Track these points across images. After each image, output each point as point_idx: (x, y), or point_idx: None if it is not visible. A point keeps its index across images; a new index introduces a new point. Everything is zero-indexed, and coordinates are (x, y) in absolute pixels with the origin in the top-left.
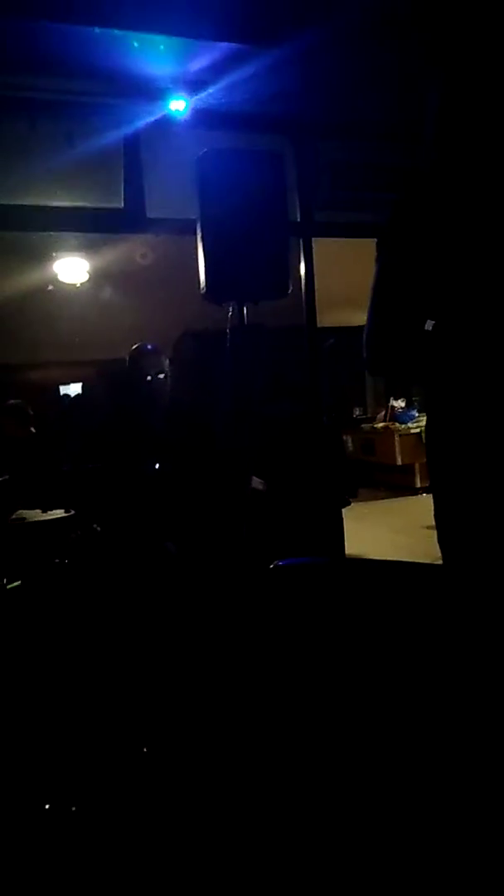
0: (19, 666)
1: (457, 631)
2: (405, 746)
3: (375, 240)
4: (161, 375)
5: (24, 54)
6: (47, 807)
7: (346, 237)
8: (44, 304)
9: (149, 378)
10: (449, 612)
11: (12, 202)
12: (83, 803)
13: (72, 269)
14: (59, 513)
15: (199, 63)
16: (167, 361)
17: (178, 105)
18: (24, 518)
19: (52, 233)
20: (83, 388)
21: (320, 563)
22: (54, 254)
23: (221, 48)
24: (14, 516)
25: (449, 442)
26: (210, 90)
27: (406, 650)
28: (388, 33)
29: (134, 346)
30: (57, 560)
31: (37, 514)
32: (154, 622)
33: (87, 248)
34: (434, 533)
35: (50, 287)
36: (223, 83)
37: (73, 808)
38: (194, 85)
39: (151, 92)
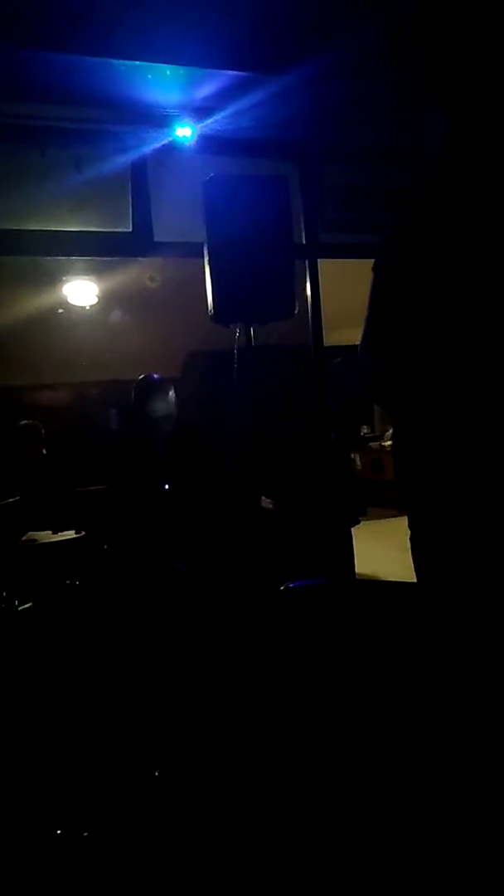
0: (30, 687)
1: (432, 646)
2: (412, 764)
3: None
4: (165, 416)
5: (33, 84)
6: (59, 832)
7: (350, 258)
8: (54, 326)
9: (153, 417)
10: (424, 629)
11: (23, 227)
12: (93, 826)
13: (81, 292)
14: (69, 534)
15: (205, 91)
16: (173, 394)
17: (185, 132)
18: (35, 539)
19: (61, 257)
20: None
21: (331, 586)
22: (64, 277)
23: (227, 76)
24: (25, 537)
25: (413, 464)
26: (216, 117)
27: (416, 673)
28: (392, 59)
29: (140, 378)
30: (68, 581)
31: (47, 536)
32: (164, 643)
33: (97, 272)
34: None
35: (60, 310)
36: (229, 110)
37: (84, 833)
38: (200, 112)
39: (158, 119)
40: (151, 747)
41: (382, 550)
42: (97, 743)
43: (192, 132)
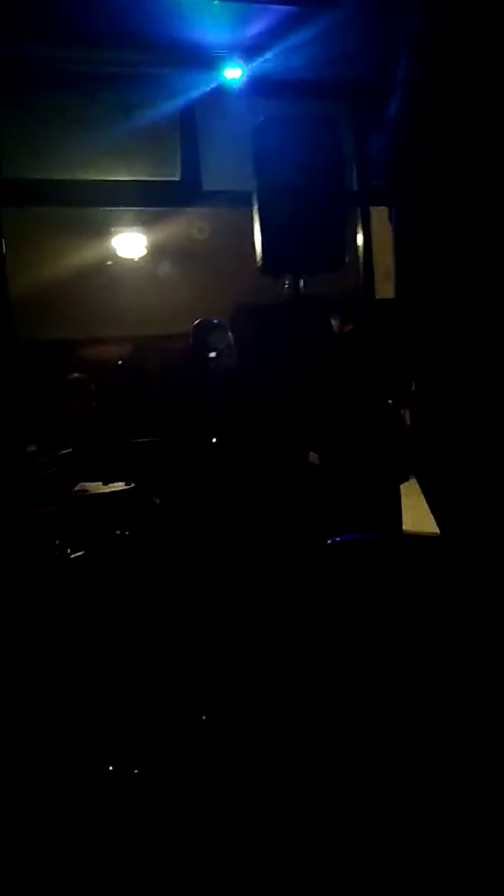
0: (81, 630)
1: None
2: (462, 722)
3: None
4: (226, 351)
5: (80, 26)
6: (110, 768)
7: None
8: (103, 279)
9: (213, 354)
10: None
11: (71, 177)
12: (142, 764)
13: (130, 244)
14: (119, 485)
15: (254, 28)
16: (231, 336)
17: (234, 73)
18: (87, 490)
19: (109, 207)
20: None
21: (377, 539)
22: (113, 229)
23: (277, 11)
24: (77, 488)
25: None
26: (266, 56)
27: (461, 627)
28: None
29: (198, 321)
30: (118, 532)
31: (98, 487)
32: (211, 594)
33: (145, 223)
34: None
35: (109, 262)
36: (279, 48)
37: (135, 771)
38: (250, 51)
39: (207, 60)
40: (199, 693)
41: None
42: (145, 687)
43: (242, 73)
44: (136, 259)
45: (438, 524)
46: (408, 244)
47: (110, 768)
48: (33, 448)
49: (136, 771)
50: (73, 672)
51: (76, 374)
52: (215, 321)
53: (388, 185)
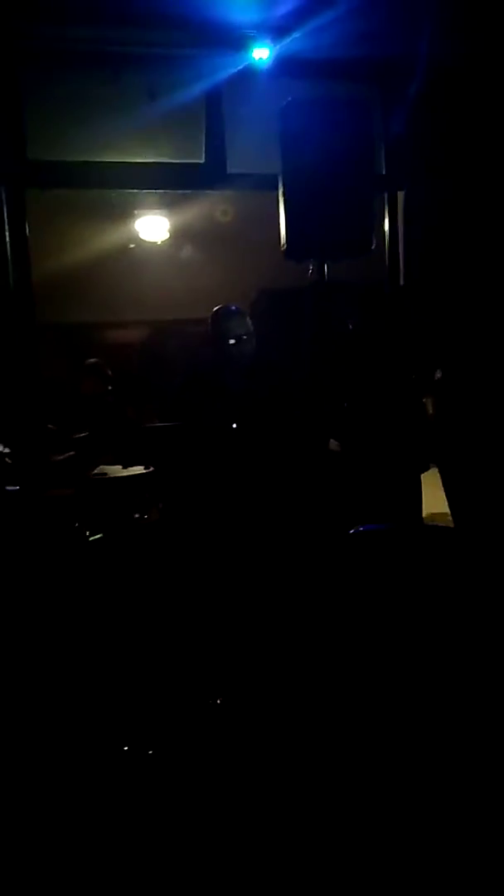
0: (99, 609)
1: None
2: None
3: None
4: (245, 337)
5: (106, 7)
6: (125, 748)
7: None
8: (125, 262)
9: (233, 341)
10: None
11: (95, 159)
12: (157, 745)
13: (153, 227)
14: (138, 469)
15: (283, 7)
16: (251, 323)
17: (262, 53)
18: (105, 473)
19: (133, 189)
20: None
21: (399, 530)
22: (136, 211)
23: None
24: (96, 471)
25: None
26: (294, 35)
27: (483, 617)
28: None
29: (216, 308)
30: (136, 515)
31: (117, 470)
32: (228, 580)
33: (169, 206)
34: None
35: (132, 245)
36: (308, 28)
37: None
38: (278, 31)
39: (234, 41)
40: (215, 676)
41: None
42: (161, 670)
43: (270, 53)
44: (159, 242)
45: (454, 514)
46: (422, 227)
47: (125, 748)
48: (52, 427)
49: (150, 752)
50: (90, 654)
51: (92, 359)
52: (233, 308)
53: (404, 167)
